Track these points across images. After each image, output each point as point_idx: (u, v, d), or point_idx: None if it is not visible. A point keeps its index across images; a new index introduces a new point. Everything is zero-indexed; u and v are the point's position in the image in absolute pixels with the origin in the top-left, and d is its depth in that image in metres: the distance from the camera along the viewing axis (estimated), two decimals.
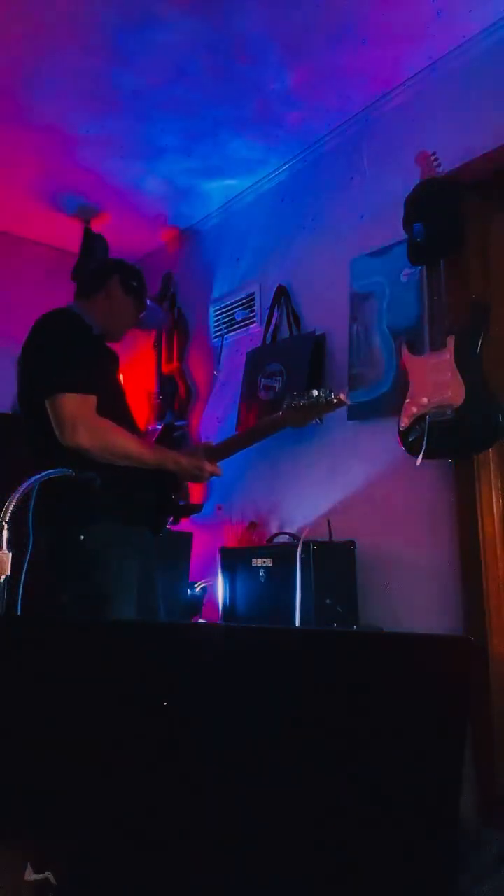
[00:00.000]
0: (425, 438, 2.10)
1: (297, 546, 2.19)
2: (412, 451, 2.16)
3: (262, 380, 2.88)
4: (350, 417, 2.54)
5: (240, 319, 3.24)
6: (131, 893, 0.71)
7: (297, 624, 2.09)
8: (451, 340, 2.11)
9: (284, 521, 2.76)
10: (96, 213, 3.42)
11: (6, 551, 1.38)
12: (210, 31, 2.27)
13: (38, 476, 1.52)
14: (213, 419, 3.29)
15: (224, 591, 2.52)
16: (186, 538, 2.92)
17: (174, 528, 2.31)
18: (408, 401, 2.19)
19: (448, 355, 2.10)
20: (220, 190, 3.24)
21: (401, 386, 2.27)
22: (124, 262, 2.28)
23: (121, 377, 2.13)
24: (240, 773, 0.67)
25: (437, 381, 2.11)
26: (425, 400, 2.13)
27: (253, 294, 3.17)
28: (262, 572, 2.37)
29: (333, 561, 2.30)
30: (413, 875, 0.59)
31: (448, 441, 2.09)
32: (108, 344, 2.12)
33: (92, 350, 1.96)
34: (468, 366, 2.08)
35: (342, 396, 1.83)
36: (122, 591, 1.84)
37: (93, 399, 1.84)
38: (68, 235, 3.46)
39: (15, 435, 2.04)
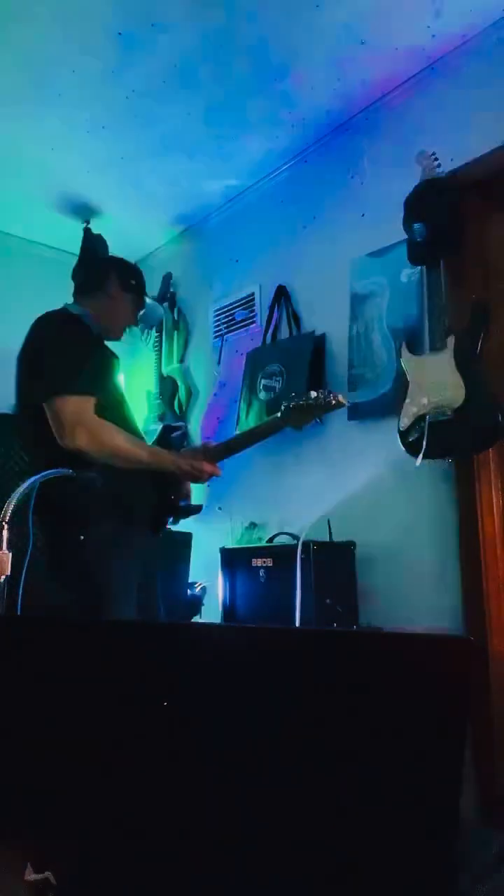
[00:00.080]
0: (425, 438, 2.10)
1: (297, 546, 2.19)
2: (412, 451, 2.16)
3: (262, 380, 2.88)
4: (350, 417, 2.54)
5: (240, 319, 3.24)
6: (131, 893, 0.71)
7: (297, 624, 2.09)
8: (451, 340, 2.11)
9: (284, 521, 2.76)
10: (96, 214, 3.42)
11: (6, 551, 1.38)
12: (210, 32, 2.27)
13: (38, 476, 1.52)
14: (213, 419, 3.29)
15: (224, 591, 2.52)
16: (186, 538, 2.92)
17: (174, 529, 2.31)
18: (408, 401, 2.19)
19: (448, 355, 2.11)
20: (221, 190, 3.24)
21: (401, 386, 2.27)
22: (122, 259, 2.28)
23: (121, 378, 2.13)
24: (239, 773, 0.67)
25: (437, 381, 2.12)
26: (425, 400, 2.13)
27: (253, 294, 3.17)
28: (262, 572, 2.37)
29: (333, 561, 2.30)
30: (413, 875, 0.59)
31: (448, 441, 2.09)
32: (108, 343, 2.12)
33: (90, 351, 1.96)
34: (468, 366, 2.08)
35: (340, 398, 1.83)
36: (122, 591, 1.84)
37: (92, 401, 1.84)
38: (68, 235, 3.46)
39: (15, 435, 2.04)
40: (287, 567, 2.20)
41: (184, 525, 2.39)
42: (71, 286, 2.33)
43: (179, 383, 3.50)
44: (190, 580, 2.88)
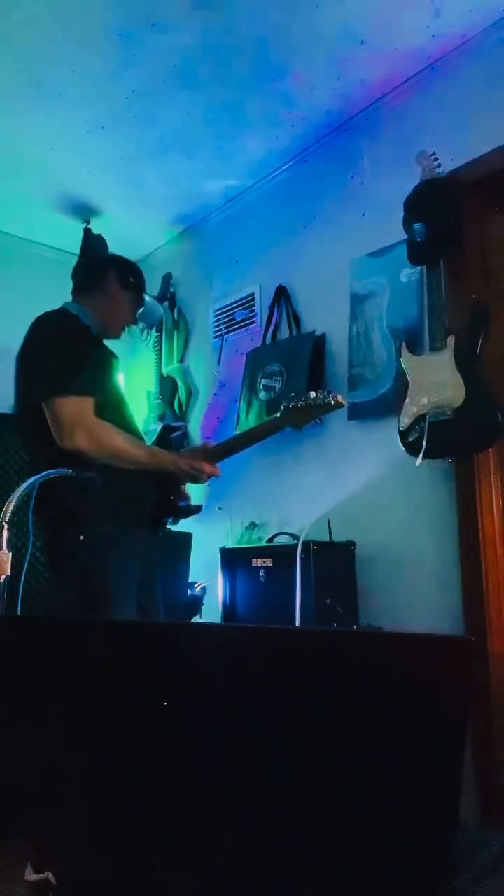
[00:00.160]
0: (425, 438, 2.10)
1: (297, 546, 2.19)
2: (412, 450, 2.16)
3: (262, 380, 2.88)
4: (350, 417, 2.54)
5: (240, 319, 3.24)
6: (131, 893, 0.71)
7: (297, 624, 2.09)
8: (451, 340, 2.11)
9: (284, 521, 2.76)
10: (96, 214, 3.42)
11: (6, 551, 1.38)
12: (210, 32, 2.27)
13: (38, 476, 1.52)
14: (213, 419, 3.29)
15: (224, 591, 2.52)
16: (186, 538, 2.92)
17: (174, 529, 2.31)
18: (408, 401, 2.19)
19: (448, 355, 2.11)
20: (221, 190, 3.24)
21: (401, 386, 2.27)
22: (121, 257, 2.28)
23: (121, 377, 2.13)
24: (239, 773, 0.67)
25: (437, 381, 2.12)
26: (425, 400, 2.13)
27: (253, 294, 3.17)
28: (262, 572, 2.37)
29: (333, 561, 2.30)
30: (413, 875, 0.59)
31: (448, 441, 2.09)
32: (108, 343, 2.12)
33: (89, 351, 1.96)
34: (468, 366, 2.08)
35: (340, 398, 1.83)
36: (122, 591, 1.84)
37: (91, 401, 1.84)
38: (68, 235, 3.46)
39: (15, 435, 2.04)
40: (287, 567, 2.20)
41: (184, 525, 2.39)
42: (71, 286, 2.33)
43: (179, 383, 3.50)
44: (190, 580, 2.88)
